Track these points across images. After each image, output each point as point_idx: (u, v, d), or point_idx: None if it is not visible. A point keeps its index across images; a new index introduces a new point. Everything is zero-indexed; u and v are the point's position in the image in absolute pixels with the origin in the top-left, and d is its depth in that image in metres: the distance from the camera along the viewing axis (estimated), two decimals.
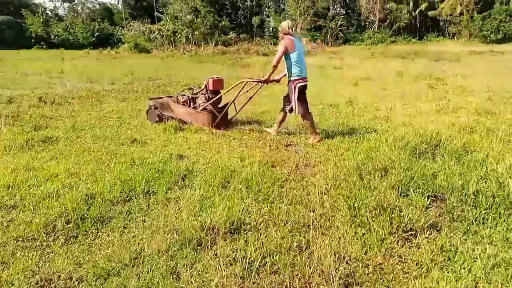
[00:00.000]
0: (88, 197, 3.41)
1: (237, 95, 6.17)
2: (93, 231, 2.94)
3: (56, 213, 3.10)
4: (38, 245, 2.73)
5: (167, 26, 42.61)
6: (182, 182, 3.82)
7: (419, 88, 11.15)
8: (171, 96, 7.07)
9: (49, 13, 78.16)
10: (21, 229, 2.91)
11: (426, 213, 3.11)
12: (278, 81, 5.94)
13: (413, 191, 3.49)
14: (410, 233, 2.85)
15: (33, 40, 63.99)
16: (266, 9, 72.97)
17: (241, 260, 2.46)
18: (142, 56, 34.55)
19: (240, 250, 2.59)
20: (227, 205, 3.17)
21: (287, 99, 5.68)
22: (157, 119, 6.57)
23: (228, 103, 6.29)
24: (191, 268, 2.43)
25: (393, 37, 49.17)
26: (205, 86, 6.39)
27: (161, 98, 6.99)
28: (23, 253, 2.62)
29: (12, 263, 2.51)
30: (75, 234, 2.89)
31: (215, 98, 6.25)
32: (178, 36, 44.14)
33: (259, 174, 3.94)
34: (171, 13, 51.34)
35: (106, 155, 4.72)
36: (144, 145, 5.26)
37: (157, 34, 43.01)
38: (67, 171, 4.07)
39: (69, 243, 2.77)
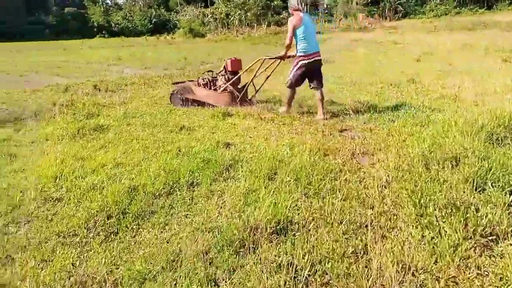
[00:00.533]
0: (131, 190, 3.30)
1: (255, 74, 6.29)
2: (134, 226, 2.81)
3: (98, 207, 3.00)
4: (78, 242, 2.64)
5: (220, 9, 42.54)
6: (227, 173, 3.59)
7: (491, 62, 9.99)
8: (192, 80, 7.19)
9: (109, 2, 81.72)
10: (64, 223, 2.85)
11: (509, 213, 2.60)
12: (294, 56, 5.73)
13: (491, 185, 2.96)
14: (490, 238, 2.38)
15: (95, 29, 67.34)
16: None
17: (288, 267, 2.17)
18: (196, 41, 34.95)
19: (286, 254, 2.30)
20: (273, 201, 2.88)
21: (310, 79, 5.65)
22: (181, 103, 6.69)
23: (247, 82, 6.44)
24: (231, 275, 2.19)
25: (458, 8, 45.23)
26: (224, 68, 6.53)
27: (184, 82, 7.15)
28: (62, 251, 2.53)
29: (51, 261, 2.43)
30: (116, 229, 2.78)
31: (234, 79, 6.37)
32: (231, 19, 44.02)
33: (309, 165, 3.59)
34: None
35: (153, 143, 4.62)
36: (191, 132, 5.11)
37: (211, 17, 43.18)
38: (114, 160, 4.01)
39: (108, 240, 2.66)
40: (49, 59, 18.02)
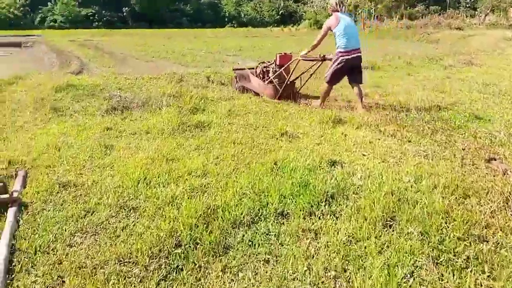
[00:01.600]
0: (210, 211, 2.78)
1: (302, 73, 6.56)
2: (203, 264, 2.28)
3: (168, 230, 2.55)
4: (136, 275, 2.20)
5: (348, 0, 40.71)
6: (327, 205, 2.84)
7: None
8: (252, 68, 7.43)
9: None
10: (129, 243, 2.46)
11: None
12: (331, 59, 5.77)
13: None
14: None
15: (226, 19, 71.19)
16: None
17: None
18: (319, 33, 34.01)
19: None
20: (386, 263, 2.06)
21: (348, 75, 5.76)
22: (238, 88, 7.18)
23: (295, 78, 6.64)
24: None
25: None
26: (274, 61, 6.78)
27: (243, 69, 7.54)
28: (114, 284, 2.12)
29: None
30: (181, 265, 2.28)
31: (278, 72, 6.62)
32: (359, 11, 41.85)
33: (442, 211, 2.63)
34: None
35: (250, 150, 4.10)
36: (294, 140, 4.45)
37: None
38: (203, 167, 3.58)
39: (168, 279, 2.17)
40: (178, 46, 19.14)
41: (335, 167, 3.57)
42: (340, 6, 5.62)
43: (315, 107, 5.85)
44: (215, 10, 72.88)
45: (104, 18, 64.79)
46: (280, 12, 70.23)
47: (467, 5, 53.17)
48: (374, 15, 40.47)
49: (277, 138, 4.49)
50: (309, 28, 42.87)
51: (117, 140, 4.44)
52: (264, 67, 6.97)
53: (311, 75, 6.60)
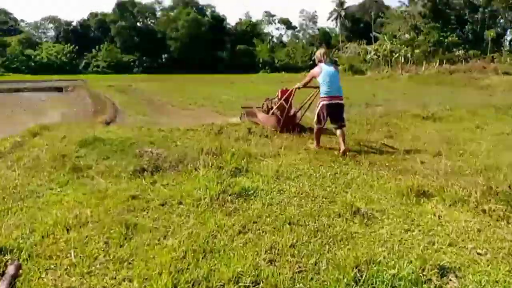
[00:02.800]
0: None
1: (303, 104, 7.38)
2: None
3: None
4: None
5: (384, 45, 40.20)
6: None
7: None
8: (259, 107, 8.26)
9: (275, 40, 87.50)
10: None
11: None
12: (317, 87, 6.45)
13: None
14: None
15: (260, 65, 72.52)
16: (502, 20, 61.19)
17: None
18: (355, 78, 33.32)
19: None
20: None
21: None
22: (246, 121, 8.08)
23: (295, 110, 7.52)
24: None
25: None
26: (277, 96, 7.55)
27: (251, 108, 8.58)
28: None
29: None
30: None
31: (278, 104, 7.34)
32: (396, 56, 41.14)
33: None
34: (389, 32, 48.65)
35: (313, 236, 3.06)
36: (371, 223, 3.36)
37: (373, 54, 41.11)
38: (254, 269, 2.56)
39: None
40: (216, 92, 18.80)
41: (446, 276, 2.44)
42: (324, 57, 6.26)
43: (308, 149, 6.15)
44: (250, 56, 74.65)
45: (144, 64, 67.69)
46: (313, 58, 70.68)
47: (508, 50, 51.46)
48: (411, 60, 39.59)
49: (346, 219, 3.42)
50: (344, 73, 42.47)
51: (142, 216, 3.52)
52: (269, 101, 7.85)
53: (306, 109, 7.50)
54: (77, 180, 4.50)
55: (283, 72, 60.07)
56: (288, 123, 7.21)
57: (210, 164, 4.85)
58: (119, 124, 8.83)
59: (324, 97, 6.09)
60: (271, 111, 7.49)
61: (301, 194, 4.10)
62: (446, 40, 40.45)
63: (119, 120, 9.28)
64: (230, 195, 3.98)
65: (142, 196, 3.98)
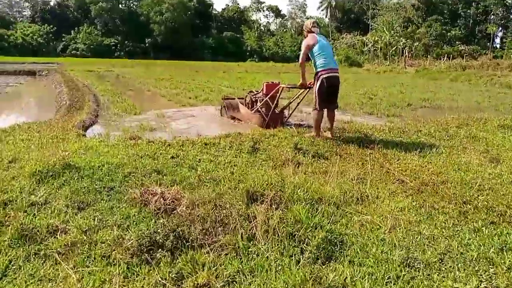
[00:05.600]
0: None
1: (291, 101, 6.64)
2: None
3: None
4: None
5: (383, 37, 38.35)
6: None
7: None
8: (241, 98, 7.38)
9: (263, 28, 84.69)
10: None
11: None
12: (312, 83, 5.64)
13: None
14: None
15: (247, 53, 69.97)
16: (493, 17, 60.28)
17: None
18: (354, 71, 31.36)
19: None
20: None
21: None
22: (227, 117, 7.30)
23: (282, 107, 6.67)
24: None
25: None
26: (262, 90, 6.65)
27: (233, 99, 7.54)
28: None
29: None
30: None
31: (263, 101, 6.45)
32: (394, 48, 39.39)
33: None
34: (385, 23, 46.84)
35: None
36: None
37: (371, 46, 39.22)
38: None
39: None
40: (212, 82, 16.48)
41: None
42: (315, 26, 5.60)
43: (310, 137, 5.45)
44: (237, 44, 71.91)
45: (126, 49, 64.04)
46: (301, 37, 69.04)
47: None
48: (412, 54, 37.92)
49: None
50: (339, 65, 40.56)
51: None
52: (253, 95, 6.93)
53: (298, 104, 6.69)
54: (25, 267, 2.26)
55: (271, 61, 57.91)
56: (275, 121, 6.34)
57: (274, 230, 2.66)
58: (102, 127, 6.48)
59: (322, 70, 5.36)
60: (255, 108, 6.69)
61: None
62: (449, 33, 38.83)
63: (103, 122, 6.92)
64: None
65: None
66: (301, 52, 5.46)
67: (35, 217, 2.74)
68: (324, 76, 5.35)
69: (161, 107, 8.77)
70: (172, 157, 4.18)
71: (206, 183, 3.44)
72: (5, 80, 18.48)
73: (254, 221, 2.73)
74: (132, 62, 39.13)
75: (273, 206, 2.99)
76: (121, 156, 3.89)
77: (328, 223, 2.86)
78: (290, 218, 2.80)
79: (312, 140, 5.33)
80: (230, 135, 5.26)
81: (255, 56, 69.35)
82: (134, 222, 2.71)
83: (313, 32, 5.52)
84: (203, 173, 3.70)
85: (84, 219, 2.73)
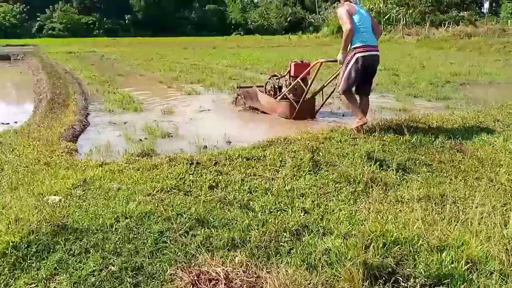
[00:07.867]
0: None
1: (325, 84, 5.51)
2: None
3: None
4: None
5: (377, 5, 36.73)
6: None
7: None
8: (260, 86, 6.56)
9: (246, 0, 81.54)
10: None
11: None
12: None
13: None
14: None
15: (232, 27, 67.42)
16: None
17: None
18: None
19: None
20: None
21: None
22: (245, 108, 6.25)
23: (315, 93, 5.70)
24: None
25: None
26: (288, 72, 5.72)
27: (250, 87, 6.74)
28: None
29: None
30: None
31: (292, 84, 5.53)
32: (387, 16, 37.82)
33: None
34: None
35: None
36: None
37: None
38: None
39: None
40: (209, 61, 14.94)
41: None
42: None
43: (356, 128, 4.53)
44: (221, 17, 69.19)
45: (105, 26, 60.80)
46: (289, 19, 66.94)
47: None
48: (407, 22, 36.41)
49: None
50: (332, 35, 38.94)
51: None
52: (277, 79, 6.05)
53: (334, 89, 5.50)
54: None
55: (257, 34, 55.85)
56: (304, 111, 5.56)
57: None
58: (97, 134, 5.07)
59: (359, 46, 4.54)
60: (281, 94, 5.78)
61: None
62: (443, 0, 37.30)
63: (96, 124, 5.51)
64: None
65: None
66: (344, 19, 4.51)
67: None
68: (361, 54, 4.56)
69: (162, 97, 7.36)
70: (211, 188, 2.88)
71: (282, 245, 2.17)
72: None
73: None
74: (113, 41, 36.75)
75: None
76: (141, 197, 2.56)
77: None
78: None
79: (367, 135, 4.35)
80: (273, 142, 3.95)
81: (240, 29, 66.91)
82: None
83: (351, 1, 4.73)
84: (267, 218, 2.43)
85: None
